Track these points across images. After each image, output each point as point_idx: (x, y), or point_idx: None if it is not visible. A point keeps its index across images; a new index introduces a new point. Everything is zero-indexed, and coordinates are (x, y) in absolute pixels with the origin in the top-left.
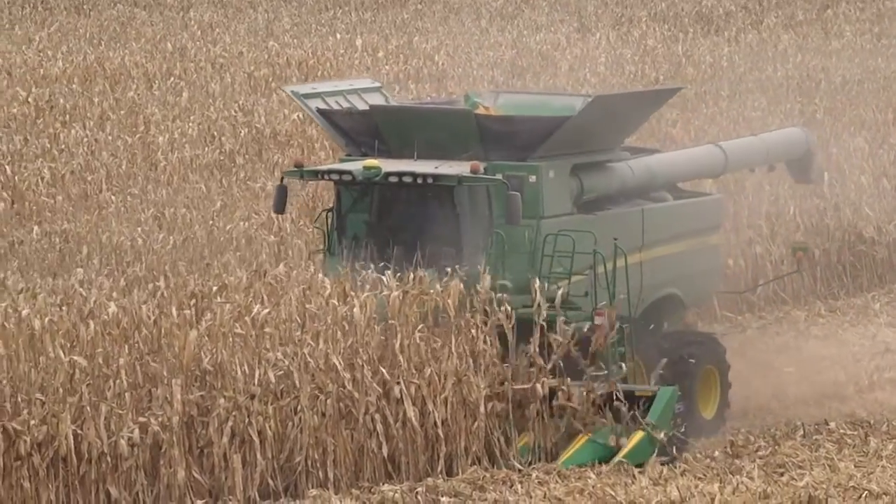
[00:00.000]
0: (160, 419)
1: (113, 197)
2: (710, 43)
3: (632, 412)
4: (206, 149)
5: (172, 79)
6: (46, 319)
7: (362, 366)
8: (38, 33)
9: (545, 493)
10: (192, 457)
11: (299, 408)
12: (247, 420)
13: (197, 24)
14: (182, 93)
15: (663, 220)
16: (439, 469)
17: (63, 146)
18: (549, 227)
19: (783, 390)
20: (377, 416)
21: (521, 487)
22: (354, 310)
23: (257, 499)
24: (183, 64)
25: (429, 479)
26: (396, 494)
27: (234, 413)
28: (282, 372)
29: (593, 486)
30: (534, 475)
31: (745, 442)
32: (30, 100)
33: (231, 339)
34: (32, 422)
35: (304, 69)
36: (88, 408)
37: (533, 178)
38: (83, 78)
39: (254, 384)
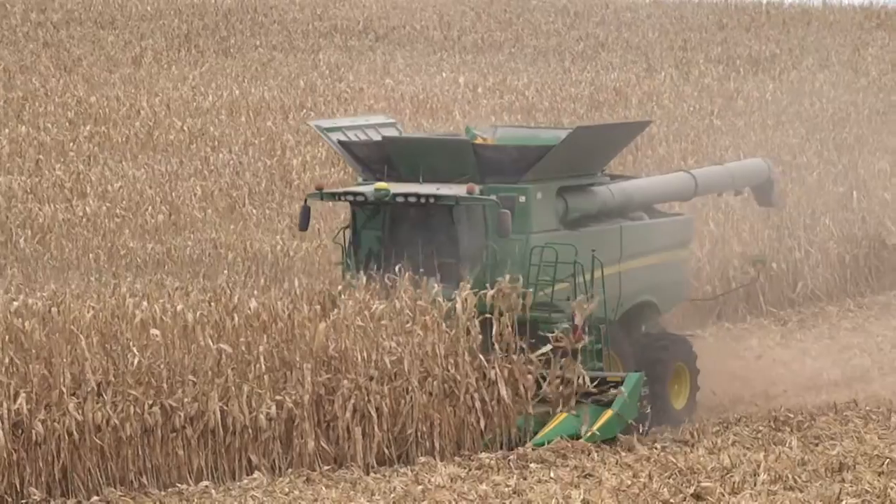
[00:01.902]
0: (293, 398)
1: (254, 210)
2: (757, 81)
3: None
4: (332, 169)
5: (304, 111)
6: (198, 313)
7: (463, 353)
8: (192, 72)
9: (617, 461)
10: (320, 429)
11: (410, 388)
12: (366, 398)
13: (325, 65)
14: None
15: (639, 236)
16: (528, 439)
17: (212, 167)
18: (536, 241)
19: (819, 374)
20: (476, 396)
21: (597, 455)
22: (457, 305)
23: (375, 465)
24: (313, 98)
25: (519, 448)
26: (492, 461)
27: (355, 392)
28: (395, 357)
29: (657, 455)
30: (606, 446)
31: (785, 417)
32: (184, 128)
33: (353, 330)
34: (186, 399)
35: (415, 103)
36: (233, 388)
37: (523, 199)
38: (229, 110)
39: (372, 368)
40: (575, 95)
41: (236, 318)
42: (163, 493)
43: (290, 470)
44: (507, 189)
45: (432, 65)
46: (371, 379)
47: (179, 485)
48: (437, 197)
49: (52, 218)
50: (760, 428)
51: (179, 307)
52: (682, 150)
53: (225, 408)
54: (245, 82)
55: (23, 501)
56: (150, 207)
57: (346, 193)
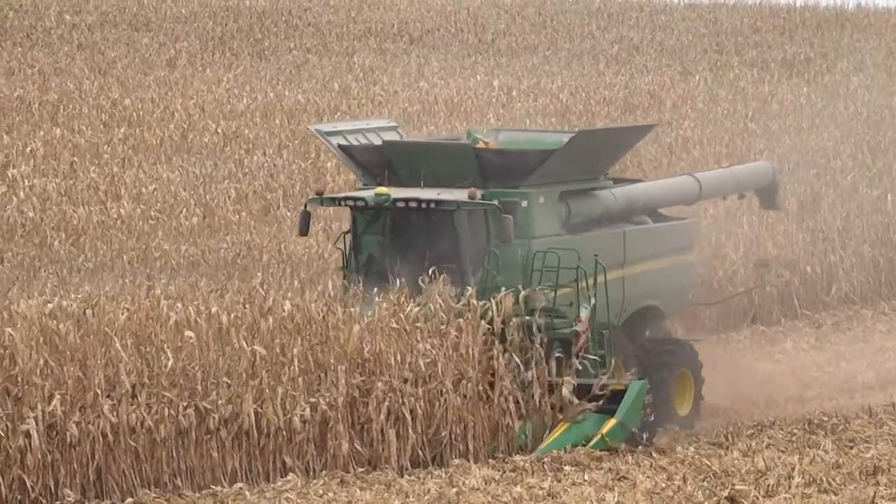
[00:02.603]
0: (328, 400)
1: (288, 213)
2: (792, 84)
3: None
4: None
5: (339, 114)
6: (232, 315)
7: (497, 355)
8: (226, 75)
9: (651, 463)
10: (355, 431)
11: (444, 390)
12: (401, 400)
13: (359, 67)
14: None
15: (643, 240)
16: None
17: (247, 170)
18: (538, 246)
19: (853, 377)
20: (510, 398)
21: (632, 458)
22: (491, 309)
23: (409, 467)
24: (347, 101)
25: (553, 451)
26: (526, 464)
27: (389, 395)
28: (429, 360)
29: (692, 458)
30: (640, 448)
31: (820, 420)
32: (219, 131)
33: (388, 332)
34: (220, 401)
35: (449, 106)
36: (267, 390)
37: (525, 203)
38: (264, 113)
39: (406, 370)
40: (609, 98)
41: (271, 321)
42: (197, 494)
43: (324, 472)
44: (509, 194)
45: (467, 68)
46: (405, 381)
47: (214, 487)
48: (437, 202)
49: (87, 220)
50: (795, 431)
51: (214, 309)
52: (716, 153)
53: (259, 410)
54: (279, 85)
55: (57, 503)
56: (184, 210)
57: (346, 198)
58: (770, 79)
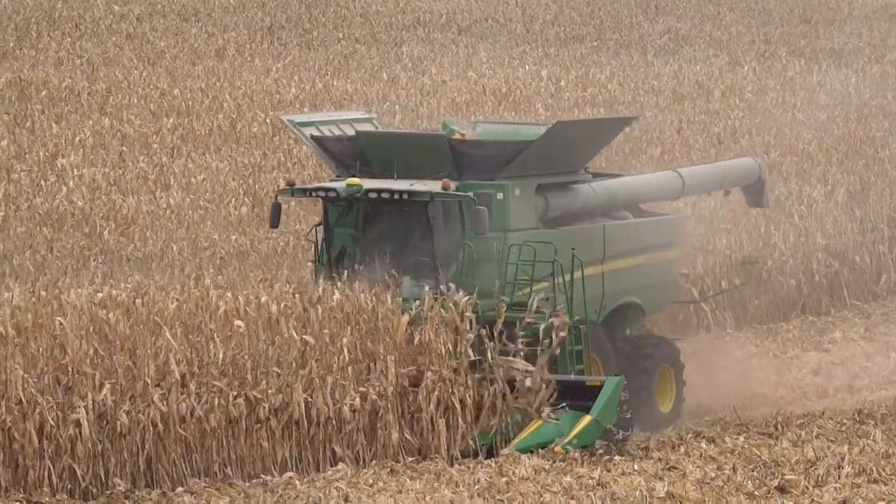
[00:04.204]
0: (377, 389)
1: None
2: (840, 74)
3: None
4: None
5: (388, 103)
6: (282, 304)
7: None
8: (275, 65)
9: (701, 453)
10: (404, 420)
11: (493, 379)
12: (450, 390)
13: (408, 57)
14: (396, 115)
15: (623, 235)
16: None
17: (296, 159)
18: (514, 240)
19: None
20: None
21: (683, 448)
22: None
23: (458, 456)
24: (396, 91)
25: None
26: (576, 453)
27: (439, 384)
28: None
29: (741, 447)
30: (689, 437)
31: (869, 410)
32: (267, 121)
33: (436, 322)
34: (270, 391)
35: (497, 95)
36: (317, 379)
37: (500, 196)
38: (312, 102)
39: (455, 359)
40: (657, 89)
41: (320, 310)
42: (247, 484)
43: (374, 461)
44: (485, 186)
45: (515, 58)
46: (455, 370)
47: (264, 476)
48: (410, 193)
49: (136, 210)
50: (844, 421)
51: (263, 299)
52: (764, 143)
53: (309, 399)
54: (328, 75)
55: (108, 492)
56: (233, 199)
57: (317, 189)
58: (818, 69)
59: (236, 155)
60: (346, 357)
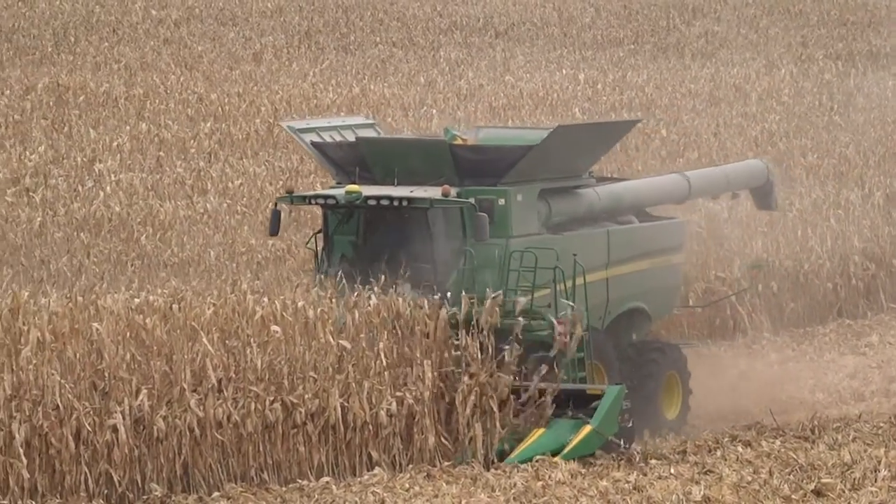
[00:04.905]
0: (414, 394)
1: None
2: (878, 77)
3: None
4: None
5: (424, 107)
6: (318, 310)
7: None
8: (312, 69)
9: (737, 457)
10: (441, 425)
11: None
12: (487, 394)
13: (445, 62)
14: (432, 119)
15: (628, 240)
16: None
17: None
18: (516, 246)
19: None
20: None
21: (719, 452)
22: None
23: (495, 460)
24: (433, 95)
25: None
26: (612, 458)
27: (475, 388)
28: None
29: (778, 451)
30: (725, 441)
31: None
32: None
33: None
34: (306, 396)
35: (535, 99)
36: (353, 384)
37: (502, 202)
38: (349, 107)
39: (492, 364)
40: (695, 92)
41: (357, 315)
42: (284, 488)
43: (410, 466)
44: (486, 191)
45: (552, 61)
46: (491, 375)
47: (300, 481)
48: (410, 200)
49: (173, 215)
50: (881, 424)
51: (300, 304)
52: (801, 146)
53: (346, 404)
54: (365, 79)
55: (144, 497)
56: (270, 204)
57: (316, 197)
58: (855, 72)
59: (273, 160)
60: (383, 361)
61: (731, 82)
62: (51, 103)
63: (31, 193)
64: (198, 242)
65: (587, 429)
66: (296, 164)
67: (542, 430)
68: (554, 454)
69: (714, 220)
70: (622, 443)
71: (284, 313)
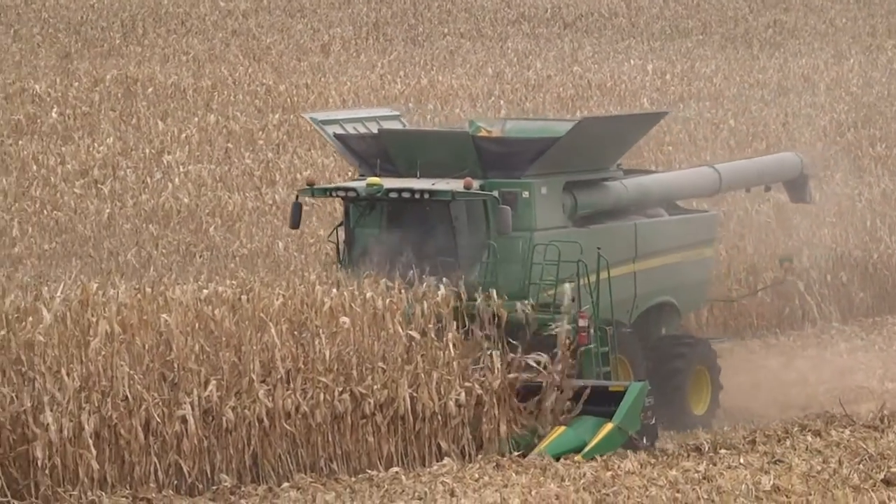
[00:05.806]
0: (482, 384)
1: None
2: None
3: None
4: None
5: (493, 98)
6: (387, 300)
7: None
8: (380, 60)
9: (807, 446)
10: (510, 414)
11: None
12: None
13: (513, 52)
14: (500, 110)
15: (656, 233)
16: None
17: None
18: (540, 239)
19: None
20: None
21: (788, 442)
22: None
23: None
24: (501, 86)
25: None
26: (681, 448)
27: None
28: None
29: (847, 440)
30: (795, 430)
31: None
32: None
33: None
34: (375, 386)
35: (603, 90)
36: (422, 374)
37: (526, 194)
38: (417, 97)
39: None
40: (763, 82)
41: (425, 305)
42: (353, 479)
43: (479, 456)
44: (510, 184)
45: (620, 52)
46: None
47: (370, 471)
48: (431, 192)
49: (241, 206)
50: None
51: (369, 294)
52: (870, 136)
53: (414, 394)
54: (433, 70)
55: (213, 488)
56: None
57: (337, 189)
58: None
59: None
60: (452, 352)
61: (799, 72)
62: (119, 95)
63: (99, 185)
64: (266, 234)
65: (609, 426)
66: None
67: (563, 428)
68: (575, 452)
69: (782, 210)
70: (644, 440)
71: (353, 304)
